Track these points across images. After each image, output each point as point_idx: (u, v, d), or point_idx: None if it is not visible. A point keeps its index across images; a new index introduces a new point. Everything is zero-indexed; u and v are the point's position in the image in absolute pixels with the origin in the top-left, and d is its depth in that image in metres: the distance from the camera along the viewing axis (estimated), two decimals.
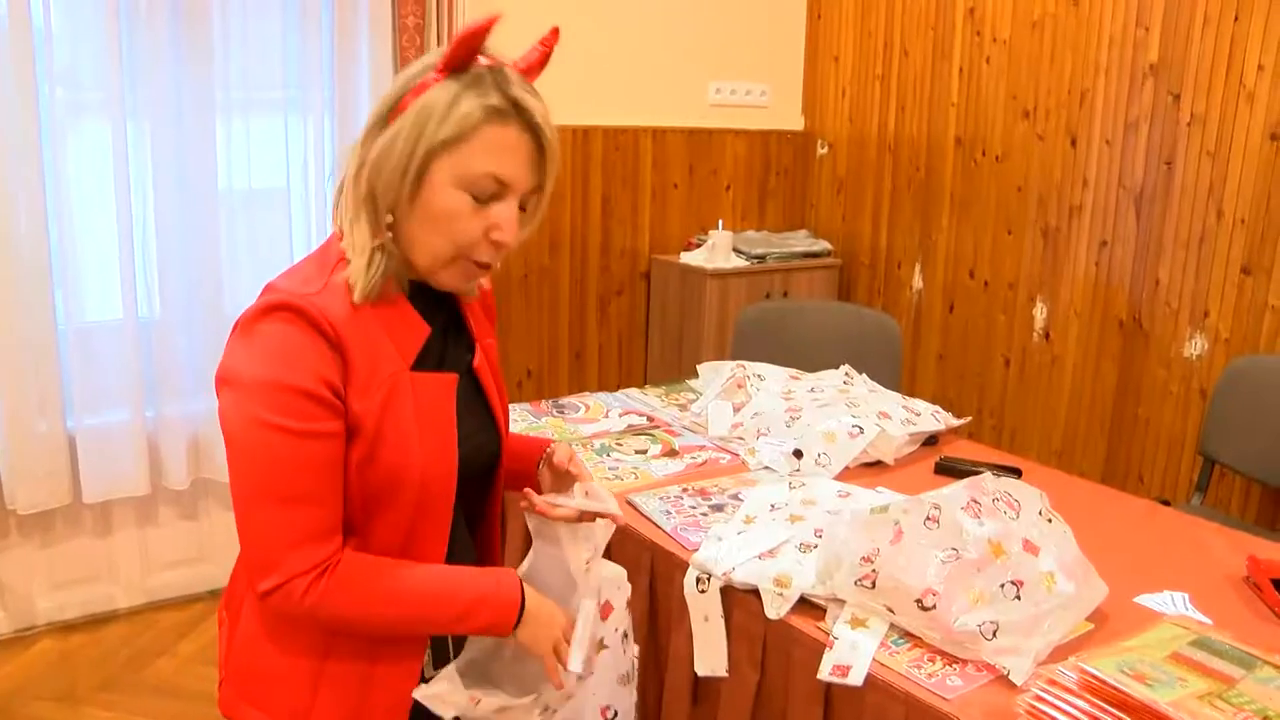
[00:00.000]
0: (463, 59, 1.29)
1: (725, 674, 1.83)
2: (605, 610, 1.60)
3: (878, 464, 2.36)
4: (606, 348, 4.46)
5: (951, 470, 2.29)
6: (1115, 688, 1.35)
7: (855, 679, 1.60)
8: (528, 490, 1.56)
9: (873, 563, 1.68)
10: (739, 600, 1.81)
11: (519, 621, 1.39)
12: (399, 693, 1.39)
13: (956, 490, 1.74)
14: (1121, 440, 3.62)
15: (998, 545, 1.66)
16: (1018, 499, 1.75)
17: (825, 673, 1.62)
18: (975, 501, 1.72)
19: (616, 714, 1.63)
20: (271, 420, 1.22)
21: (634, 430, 2.56)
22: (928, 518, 1.70)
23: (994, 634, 1.58)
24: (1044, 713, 1.41)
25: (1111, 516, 2.16)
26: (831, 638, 1.66)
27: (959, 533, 1.67)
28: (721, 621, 1.83)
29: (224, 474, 3.49)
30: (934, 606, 1.60)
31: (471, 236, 1.32)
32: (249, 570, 1.29)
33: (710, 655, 1.85)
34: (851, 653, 1.63)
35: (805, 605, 1.76)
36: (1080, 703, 1.38)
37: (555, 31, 1.34)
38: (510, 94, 1.29)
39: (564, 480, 1.61)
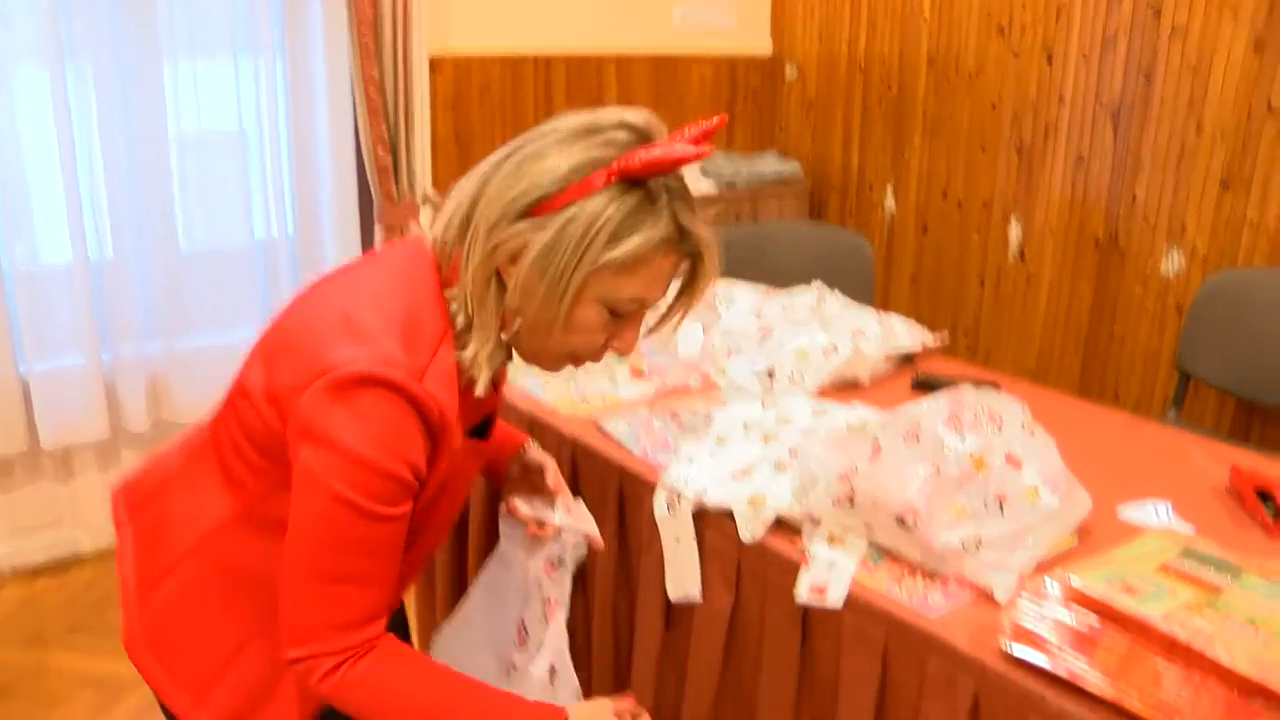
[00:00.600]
0: (645, 177, 1.21)
1: (699, 598, 1.77)
2: (550, 611, 1.59)
3: (853, 382, 2.29)
4: None
5: (929, 387, 2.23)
6: (1104, 602, 1.30)
7: (834, 600, 1.54)
8: (514, 502, 1.57)
9: (850, 480, 1.61)
10: (712, 522, 1.75)
11: None
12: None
13: (936, 404, 1.67)
14: (1096, 358, 3.58)
15: (979, 460, 1.60)
16: (999, 412, 1.69)
17: (802, 594, 1.56)
18: (956, 415, 1.65)
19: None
20: (354, 500, 1.16)
21: None
22: (907, 433, 1.64)
23: (977, 550, 1.53)
24: (1030, 629, 1.35)
25: (1091, 430, 2.11)
26: (808, 557, 1.61)
27: (940, 448, 1.60)
28: (694, 544, 1.77)
29: (184, 415, 3.45)
30: (914, 523, 1.54)
31: (594, 346, 1.31)
32: (283, 630, 1.22)
33: (683, 579, 1.79)
34: (829, 572, 1.58)
35: (781, 526, 1.70)
36: (1068, 618, 1.33)
37: (723, 120, 1.27)
38: (681, 222, 1.24)
39: (532, 477, 1.63)
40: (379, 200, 3.58)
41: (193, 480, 1.37)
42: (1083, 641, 1.31)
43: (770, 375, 2.20)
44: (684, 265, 1.31)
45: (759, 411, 2.03)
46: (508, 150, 1.26)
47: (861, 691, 1.53)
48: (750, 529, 1.69)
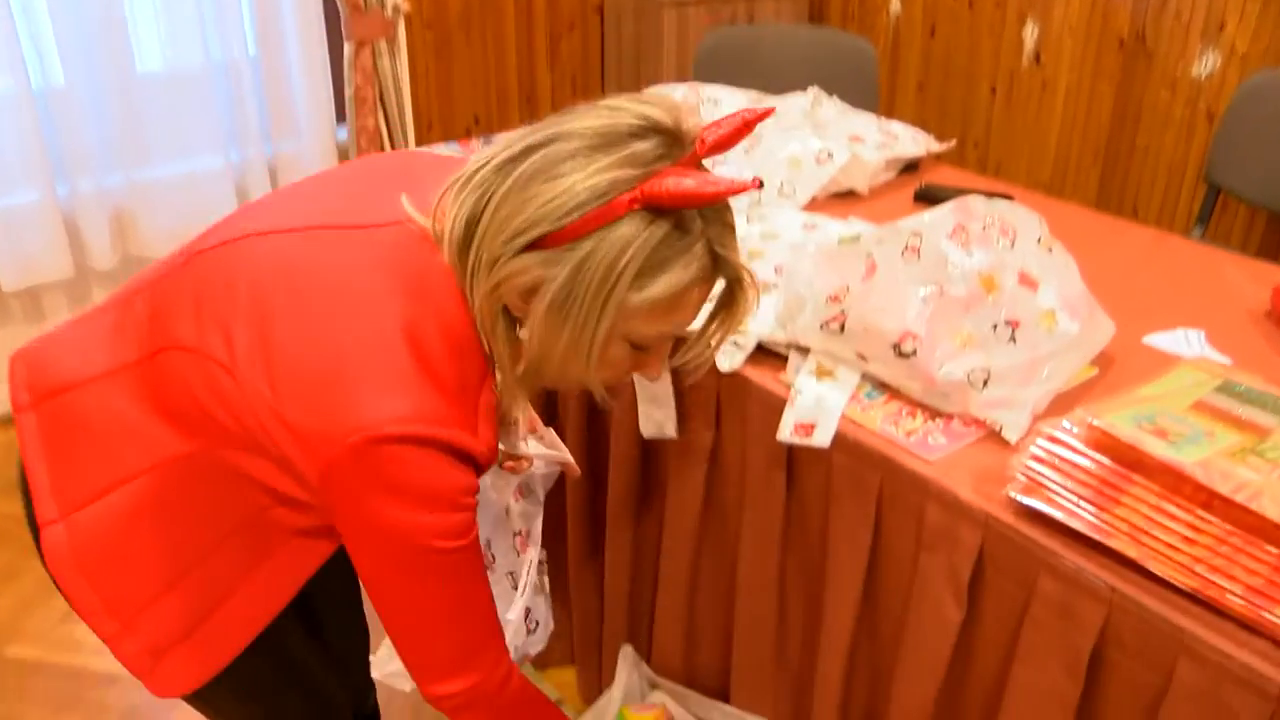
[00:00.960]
0: (674, 208, 1.00)
1: (674, 435, 1.59)
2: (522, 544, 1.50)
3: (850, 194, 2.08)
4: (559, 89, 4.09)
5: (934, 198, 2.00)
6: (1131, 446, 1.11)
7: (821, 439, 1.36)
8: None
9: (841, 302, 1.42)
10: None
11: None
12: (251, 617, 1.24)
13: (941, 215, 1.46)
14: (1116, 170, 3.33)
15: (989, 279, 1.40)
16: (1012, 225, 1.48)
17: (786, 433, 1.38)
18: (962, 228, 1.44)
19: (538, 623, 1.53)
20: (432, 544, 1.07)
21: None
22: (906, 248, 1.43)
23: (985, 383, 1.34)
24: (1044, 476, 1.17)
25: (1112, 247, 1.89)
26: (793, 391, 1.42)
27: (943, 265, 1.40)
28: (668, 376, 1.58)
29: (152, 249, 3.25)
30: (914, 352, 1.35)
31: (617, 377, 1.16)
32: (421, 677, 1.17)
33: (656, 415, 1.60)
34: (816, 409, 1.39)
35: (763, 355, 1.51)
36: (1088, 464, 1.15)
37: (769, 112, 1.08)
38: (717, 250, 1.05)
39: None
40: (346, 12, 3.32)
41: (122, 397, 1.19)
42: (1105, 492, 1.13)
43: (758, 185, 1.97)
44: (720, 286, 1.12)
45: (743, 226, 1.82)
46: (512, 153, 1.04)
47: (852, 541, 1.37)
48: (729, 357, 1.50)
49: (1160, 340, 1.56)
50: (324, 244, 1.12)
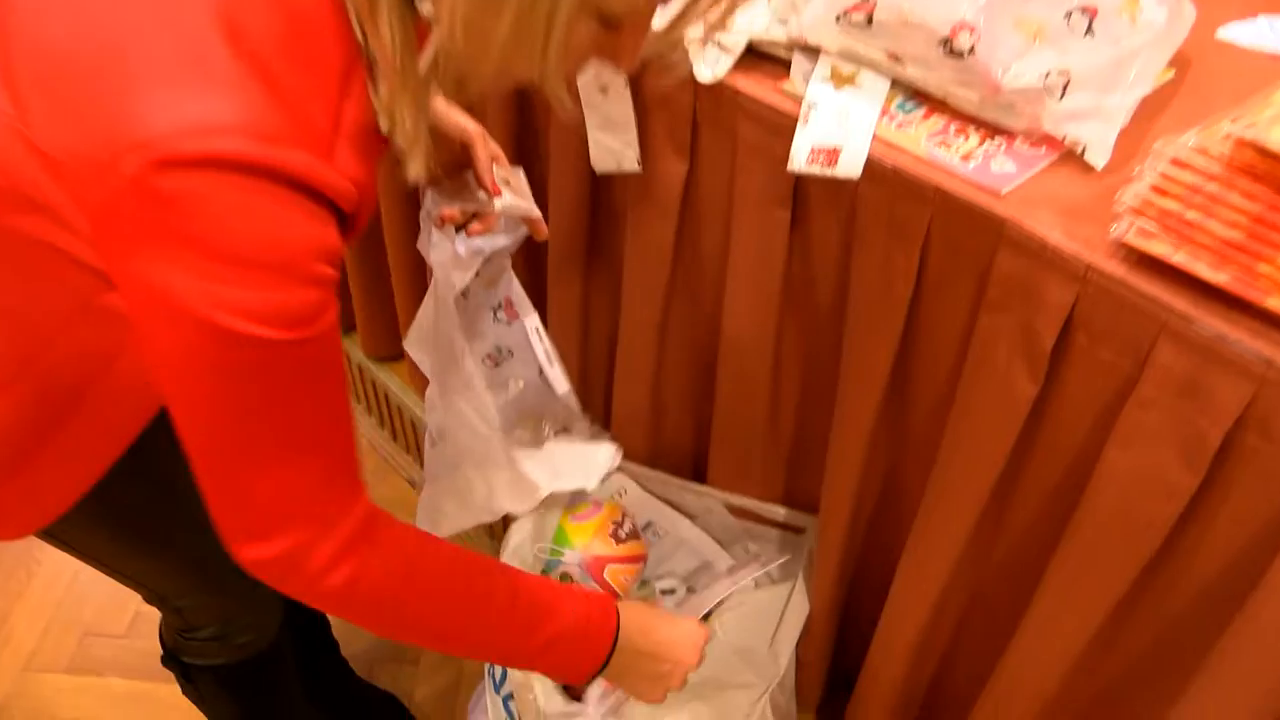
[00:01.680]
0: None
1: (636, 168, 1.26)
2: (510, 313, 1.31)
3: None
4: None
5: None
6: None
7: (849, 166, 1.04)
8: (442, 208, 1.16)
9: None
10: (652, 58, 1.20)
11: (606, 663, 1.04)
12: (103, 438, 0.95)
13: None
14: None
15: None
16: None
17: (800, 161, 1.06)
18: None
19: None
20: (265, 334, 0.70)
21: None
22: None
23: (1063, 90, 1.02)
24: (1170, 214, 0.88)
25: None
26: (805, 105, 1.09)
27: None
28: (626, 92, 1.23)
29: None
30: (970, 50, 1.02)
31: (578, 69, 0.82)
32: (232, 534, 0.81)
33: (612, 143, 1.26)
34: (840, 127, 1.07)
35: (756, 60, 1.17)
36: (1235, 196, 0.85)
37: None
38: None
39: (450, 149, 1.19)
40: None
41: None
42: (1260, 234, 0.84)
43: None
44: None
45: None
46: None
47: (885, 297, 1.09)
48: (711, 63, 1.15)
49: (1239, 33, 1.26)
50: None
